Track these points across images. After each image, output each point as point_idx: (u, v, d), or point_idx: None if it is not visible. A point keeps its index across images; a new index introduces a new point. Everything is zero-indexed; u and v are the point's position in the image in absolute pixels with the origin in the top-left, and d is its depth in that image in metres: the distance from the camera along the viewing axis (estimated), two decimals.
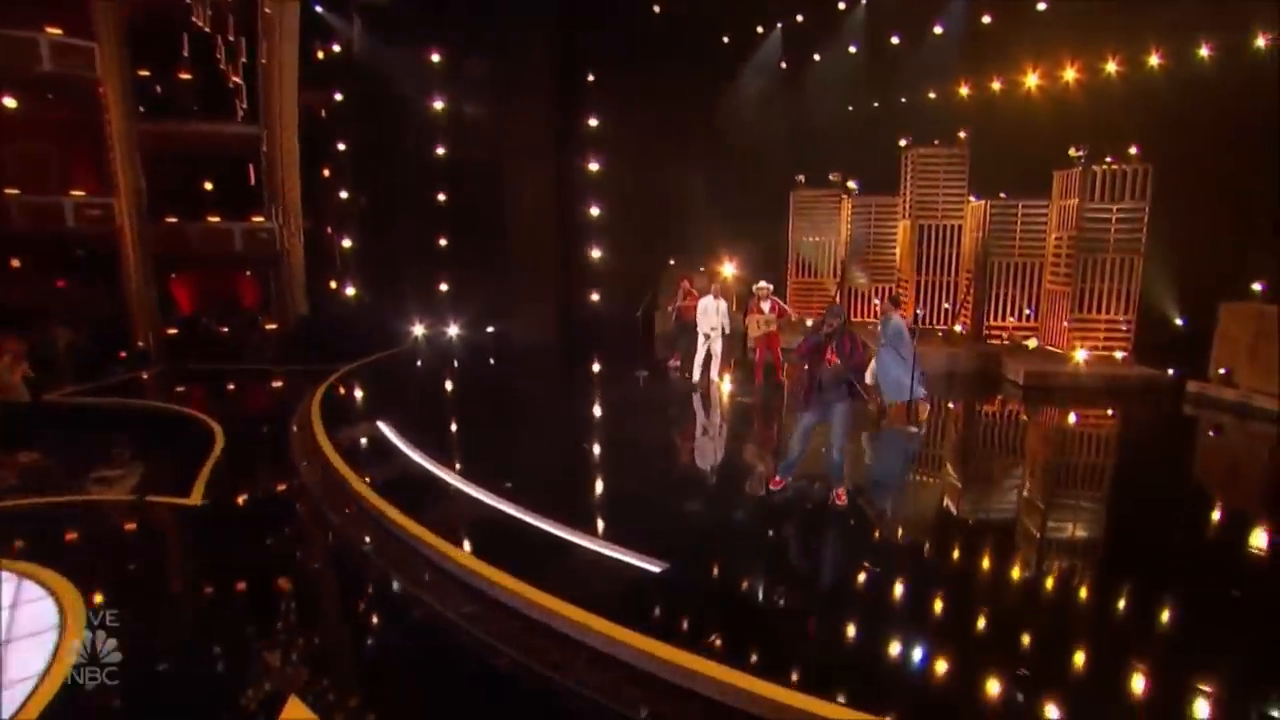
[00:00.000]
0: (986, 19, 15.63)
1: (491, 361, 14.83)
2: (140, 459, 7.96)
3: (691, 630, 4.17)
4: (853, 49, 17.74)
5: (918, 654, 4.02)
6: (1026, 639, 4.20)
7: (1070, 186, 12.02)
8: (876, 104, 17.64)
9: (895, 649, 4.05)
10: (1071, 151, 11.68)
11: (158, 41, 13.98)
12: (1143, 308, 11.86)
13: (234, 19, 13.82)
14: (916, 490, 7.15)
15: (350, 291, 16.69)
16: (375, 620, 4.79)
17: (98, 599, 4.43)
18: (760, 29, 18.11)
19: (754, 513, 6.14)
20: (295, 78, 14.95)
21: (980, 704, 3.64)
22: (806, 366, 5.99)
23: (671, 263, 16.52)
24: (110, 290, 14.13)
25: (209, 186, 15.68)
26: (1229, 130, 11.04)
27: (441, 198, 16.87)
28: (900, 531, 5.96)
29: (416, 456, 7.43)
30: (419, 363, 14.43)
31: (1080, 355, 11.56)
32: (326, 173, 16.34)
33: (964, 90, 16.23)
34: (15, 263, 14.11)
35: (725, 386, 11.18)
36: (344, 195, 16.29)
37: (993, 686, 3.72)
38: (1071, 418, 9.94)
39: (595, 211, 17.62)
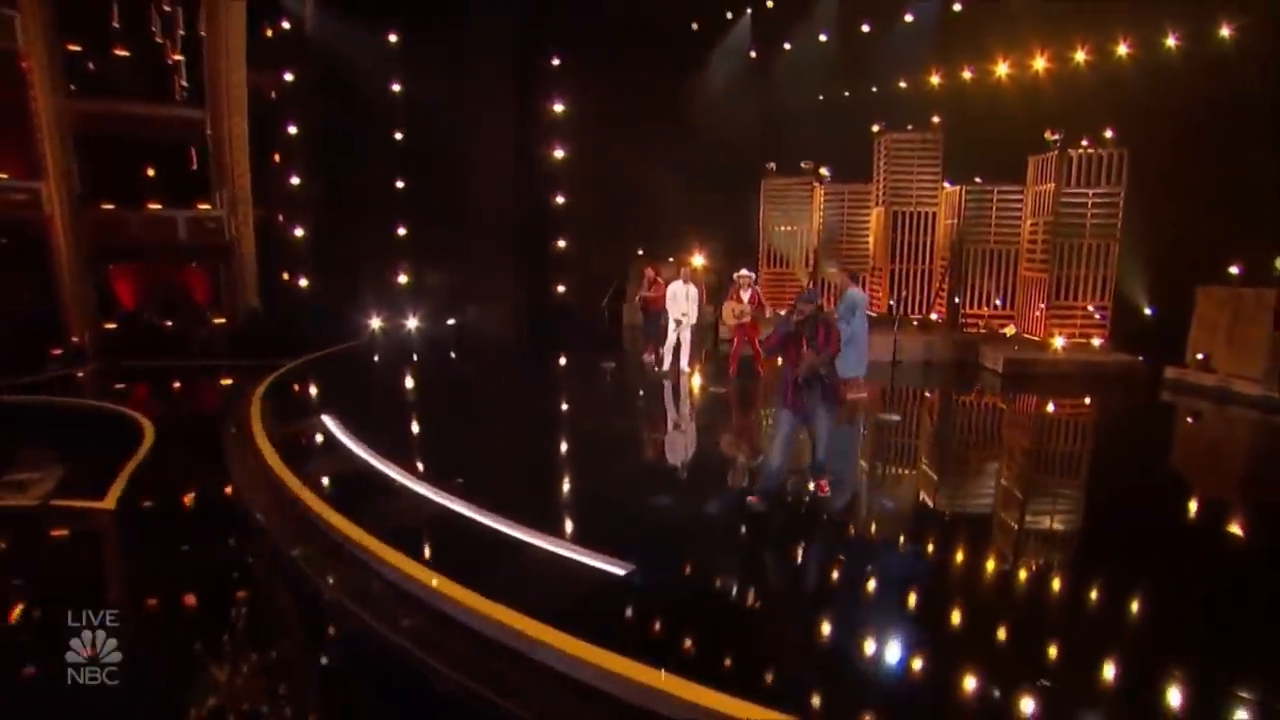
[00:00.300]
0: (957, 6, 15.44)
1: (452, 355, 14.19)
2: (62, 461, 7.22)
3: (657, 642, 3.68)
4: (823, 37, 17.48)
5: (910, 666, 3.57)
6: (1047, 650, 3.78)
7: (1046, 171, 11.77)
8: (848, 94, 17.38)
9: (886, 661, 3.59)
10: (1047, 135, 11.44)
11: (89, 13, 13.03)
12: (1117, 294, 11.67)
13: None
14: (904, 483, 6.73)
15: (304, 283, 15.87)
16: (296, 638, 4.20)
17: None
18: (729, 15, 17.70)
19: (727, 509, 5.65)
20: (242, 56, 14.13)
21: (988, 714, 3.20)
22: (781, 361, 5.42)
23: (640, 253, 16.05)
24: (40, 282, 13.16)
25: (151, 172, 14.73)
26: (1200, 114, 10.89)
27: (400, 185, 16.17)
28: (886, 529, 5.51)
29: (363, 454, 6.82)
30: (375, 357, 13.73)
31: (1058, 343, 11.32)
32: (277, 158, 15.50)
33: (935, 79, 16.02)
34: None
35: (695, 379, 10.73)
36: (296, 182, 15.46)
37: (999, 693, 3.28)
38: (1057, 405, 9.64)
39: (560, 200, 17.08)
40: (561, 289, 17.23)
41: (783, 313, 11.05)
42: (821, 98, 17.51)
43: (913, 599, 4.19)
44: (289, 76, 15.18)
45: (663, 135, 16.96)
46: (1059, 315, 11.69)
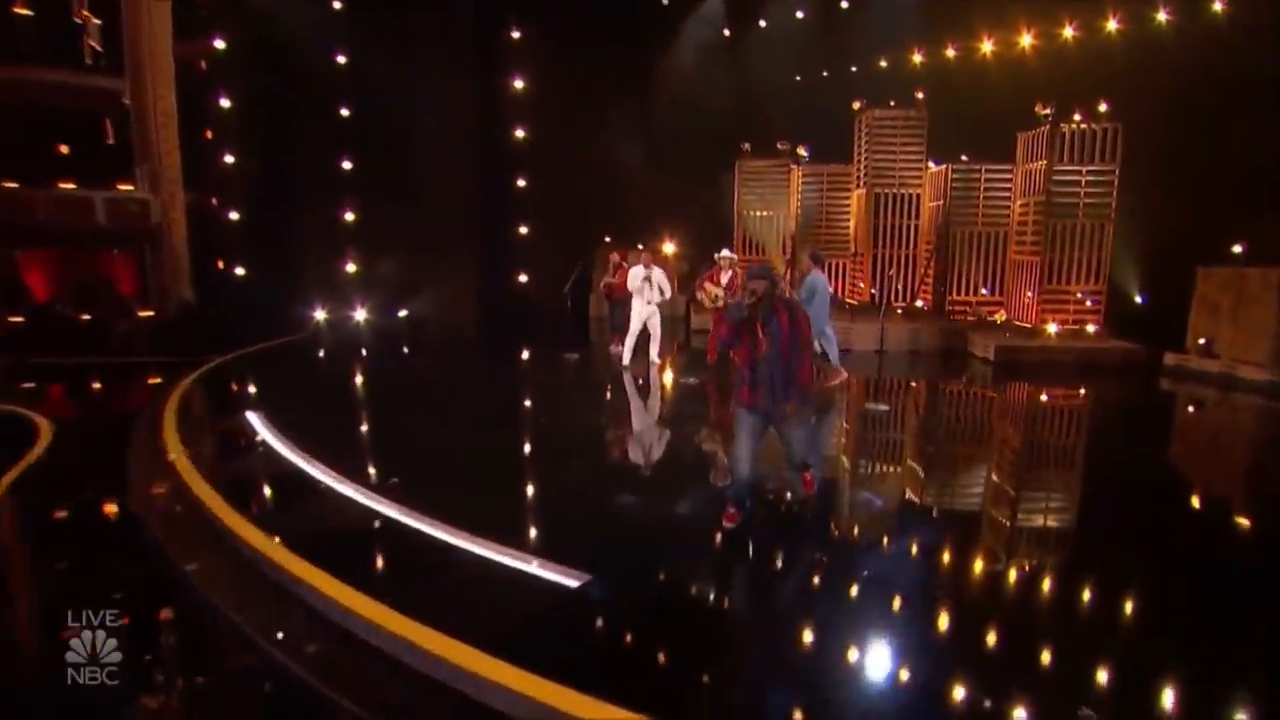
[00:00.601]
0: None
1: (404, 348, 13.46)
2: None
3: (612, 668, 3.12)
4: (800, 14, 17.12)
5: (916, 697, 3.06)
6: (1085, 674, 3.29)
7: (1036, 148, 11.47)
8: (826, 73, 17.05)
9: (885, 691, 3.07)
10: (1038, 109, 11.13)
11: None
12: (1112, 277, 11.41)
13: None
14: (896, 480, 6.24)
15: (240, 272, 14.99)
16: (178, 669, 3.53)
17: None
18: None
19: (697, 510, 5.10)
20: (168, 20, 13.24)
21: None
22: (735, 357, 4.61)
23: (607, 239, 15.49)
24: None
25: (64, 149, 13.75)
26: (1199, 87, 10.63)
27: (346, 165, 15.37)
28: (882, 533, 5.00)
29: (291, 456, 6.15)
30: (317, 351, 12.97)
31: (1051, 329, 11.00)
32: (210, 135, 14.59)
33: (917, 58, 15.72)
34: None
35: (666, 372, 10.22)
36: (231, 161, 14.57)
37: None
38: (1053, 395, 9.28)
39: (521, 183, 16.44)
40: (524, 278, 16.57)
41: (728, 297, 10.51)
42: (799, 78, 17.20)
43: (919, 614, 3.67)
44: (221, 44, 14.26)
45: (631, 115, 16.47)
46: (1051, 301, 11.39)
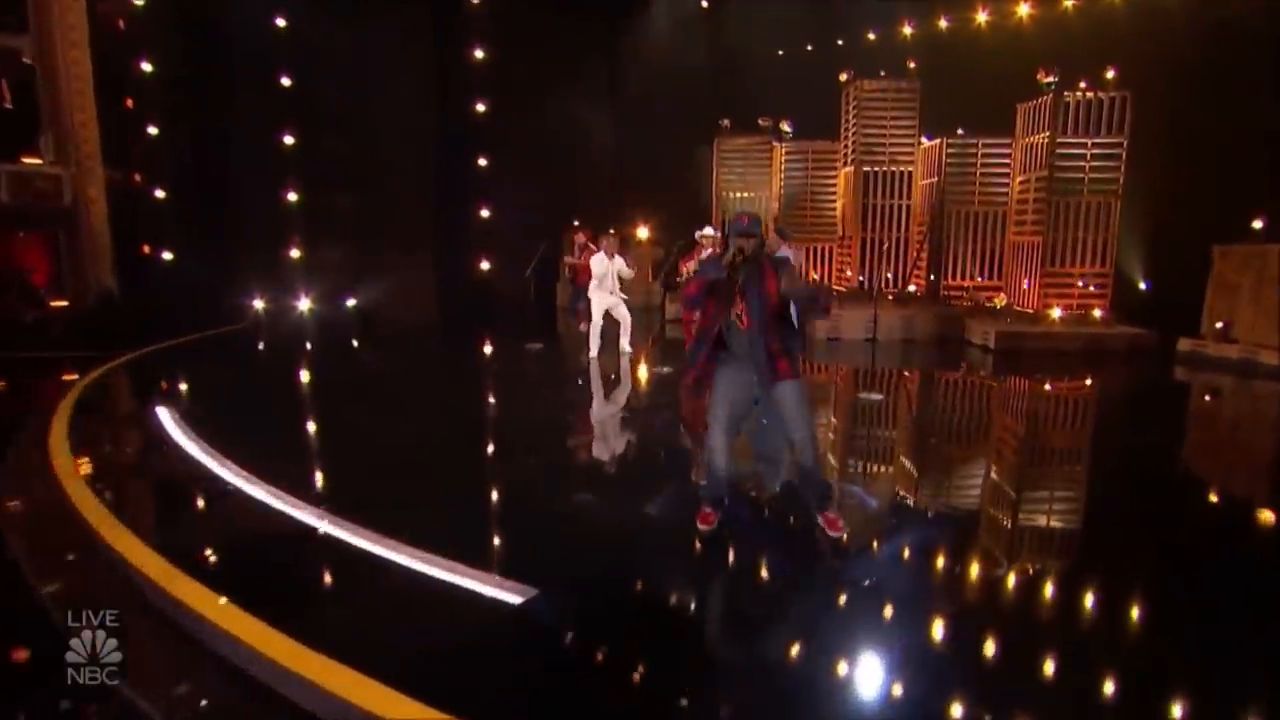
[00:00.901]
0: None
1: (352, 341, 12.65)
2: None
3: (552, 704, 2.48)
4: None
5: None
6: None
7: (1038, 120, 11.04)
8: (810, 47, 16.62)
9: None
10: (1040, 77, 10.70)
11: None
12: (1119, 258, 11.04)
13: None
14: (899, 480, 5.66)
15: (168, 257, 14.05)
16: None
17: None
18: None
19: (667, 511, 4.44)
20: None
21: None
22: (699, 320, 3.94)
23: (576, 224, 14.85)
24: None
25: None
26: (1212, 51, 10.30)
27: (288, 140, 14.50)
28: (882, 534, 4.39)
29: (201, 456, 5.41)
30: (256, 344, 12.16)
31: (1055, 314, 10.58)
32: (131, 104, 13.64)
33: (907, 30, 15.34)
34: None
35: (637, 361, 9.63)
36: (155, 132, 13.64)
37: None
38: (1061, 385, 8.80)
39: (483, 162, 15.73)
40: (486, 266, 15.84)
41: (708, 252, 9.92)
42: (781, 53, 16.75)
43: (940, 641, 3.07)
44: (141, 1, 13.32)
45: (602, 89, 15.91)
46: (1054, 284, 10.99)
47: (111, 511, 4.18)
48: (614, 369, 9.12)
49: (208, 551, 3.72)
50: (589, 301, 9.78)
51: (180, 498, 4.76)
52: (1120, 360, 9.80)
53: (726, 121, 14.69)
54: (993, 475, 5.54)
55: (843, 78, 13.37)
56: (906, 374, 9.42)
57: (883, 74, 12.83)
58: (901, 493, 5.02)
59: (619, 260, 9.53)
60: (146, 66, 13.27)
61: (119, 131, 13.44)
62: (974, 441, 6.66)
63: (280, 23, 14.02)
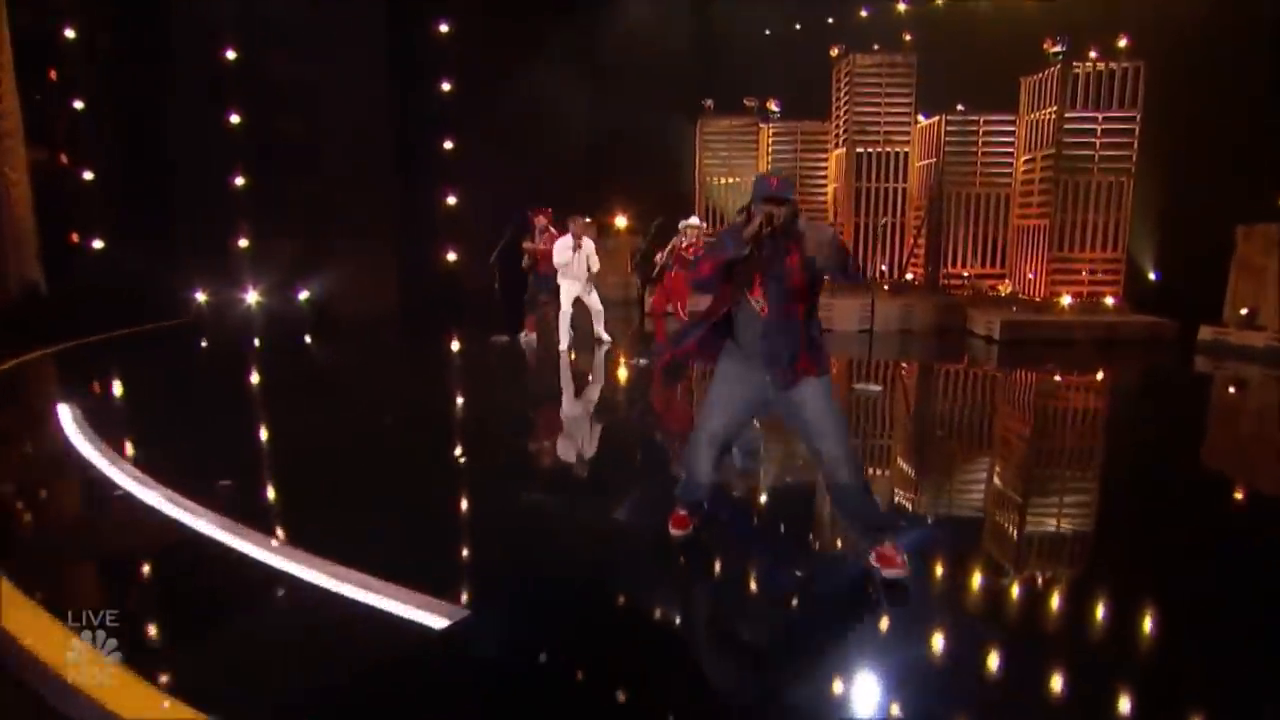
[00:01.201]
0: None
1: (304, 335, 11.97)
2: None
3: None
4: None
5: None
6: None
7: (1044, 94, 10.64)
8: (799, 25, 16.23)
9: None
10: (1046, 47, 10.28)
11: None
12: (1131, 242, 10.65)
13: None
14: (905, 481, 5.11)
15: (99, 245, 13.26)
16: None
17: None
18: None
19: (635, 515, 3.83)
20: None
21: None
22: (704, 307, 3.25)
23: (548, 210, 14.28)
24: None
25: None
26: (1231, 18, 9.94)
27: (234, 119, 13.76)
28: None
29: (100, 464, 4.73)
30: (196, 338, 11.52)
31: (1065, 302, 10.14)
32: (54, 76, 12.83)
33: (901, 6, 14.97)
34: None
35: (614, 355, 9.07)
36: (82, 108, 12.84)
37: None
38: (1072, 378, 8.32)
39: (448, 145, 15.11)
40: (452, 256, 15.21)
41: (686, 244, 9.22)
42: (769, 32, 16.36)
43: (955, 667, 2.49)
44: None
45: (577, 67, 15.33)
46: (1062, 270, 10.56)
47: None
48: (588, 361, 8.55)
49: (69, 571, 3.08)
50: (553, 290, 9.14)
51: (57, 507, 4.10)
52: (1138, 350, 9.38)
53: (710, 102, 14.27)
54: (1035, 478, 5.00)
55: (833, 53, 12.91)
56: (903, 366, 8.92)
57: (876, 48, 12.38)
58: (942, 499, 4.46)
59: (588, 245, 8.84)
60: (70, 33, 12.46)
61: (42, 107, 12.64)
62: (980, 438, 6.13)
63: None
